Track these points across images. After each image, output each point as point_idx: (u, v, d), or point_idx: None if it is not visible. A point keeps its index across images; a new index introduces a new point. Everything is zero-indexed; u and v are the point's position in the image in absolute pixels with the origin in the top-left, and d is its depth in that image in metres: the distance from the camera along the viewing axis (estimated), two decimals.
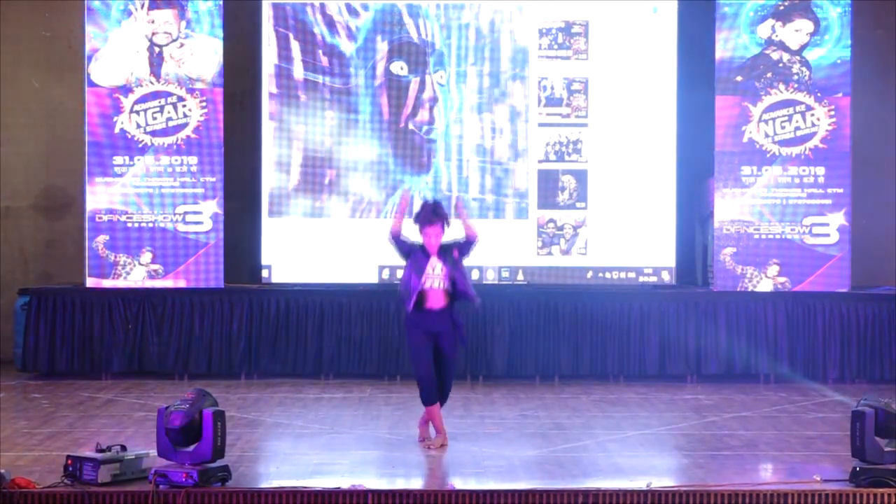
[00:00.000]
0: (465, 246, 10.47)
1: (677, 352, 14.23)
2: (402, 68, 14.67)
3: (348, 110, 14.63)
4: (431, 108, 14.67)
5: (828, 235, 14.40)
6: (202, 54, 14.33)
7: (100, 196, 14.27)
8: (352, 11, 14.63)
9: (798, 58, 14.43)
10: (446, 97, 14.67)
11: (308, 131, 14.61)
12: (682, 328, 14.24)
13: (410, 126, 14.66)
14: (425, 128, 14.67)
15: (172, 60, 14.31)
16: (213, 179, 14.34)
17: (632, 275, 14.70)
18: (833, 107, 14.40)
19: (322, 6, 14.59)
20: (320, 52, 14.60)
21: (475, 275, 14.48)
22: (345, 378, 14.08)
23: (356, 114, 14.64)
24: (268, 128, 14.58)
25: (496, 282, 14.64)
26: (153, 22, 14.31)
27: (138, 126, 14.28)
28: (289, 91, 14.58)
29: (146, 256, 14.28)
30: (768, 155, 14.42)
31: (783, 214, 14.40)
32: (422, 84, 14.67)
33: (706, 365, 14.23)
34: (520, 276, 14.69)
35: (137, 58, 14.30)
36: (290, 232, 14.60)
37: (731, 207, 14.42)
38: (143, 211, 14.29)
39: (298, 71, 14.58)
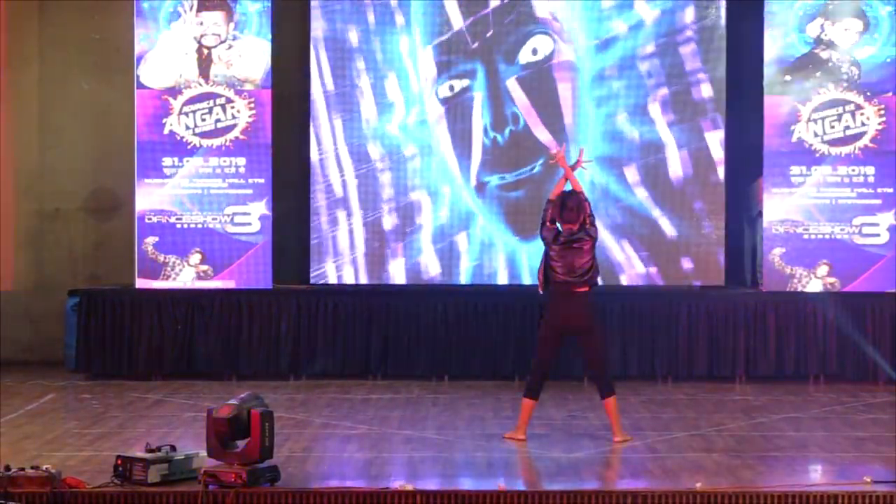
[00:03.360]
0: None
1: (726, 352, 14.16)
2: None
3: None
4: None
5: (878, 235, 14.30)
6: (250, 56, 14.37)
7: (149, 197, 14.34)
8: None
9: (847, 57, 14.34)
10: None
11: (356, 130, 14.61)
12: (731, 329, 14.17)
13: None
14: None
15: (221, 62, 14.37)
16: (262, 181, 14.38)
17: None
18: (883, 106, 14.30)
19: (373, 4, 14.60)
20: (373, 51, 14.58)
21: (527, 278, 14.45)
22: (392, 379, 14.09)
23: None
24: (315, 129, 14.60)
25: None
26: (202, 24, 14.36)
27: (187, 127, 14.35)
28: (334, 91, 14.59)
29: (195, 257, 14.34)
30: (817, 154, 14.34)
31: (833, 214, 14.32)
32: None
33: (755, 366, 14.15)
34: None
35: (186, 59, 14.36)
36: (336, 233, 14.61)
37: (780, 207, 14.34)
38: (192, 212, 14.35)
39: (343, 72, 14.60)
